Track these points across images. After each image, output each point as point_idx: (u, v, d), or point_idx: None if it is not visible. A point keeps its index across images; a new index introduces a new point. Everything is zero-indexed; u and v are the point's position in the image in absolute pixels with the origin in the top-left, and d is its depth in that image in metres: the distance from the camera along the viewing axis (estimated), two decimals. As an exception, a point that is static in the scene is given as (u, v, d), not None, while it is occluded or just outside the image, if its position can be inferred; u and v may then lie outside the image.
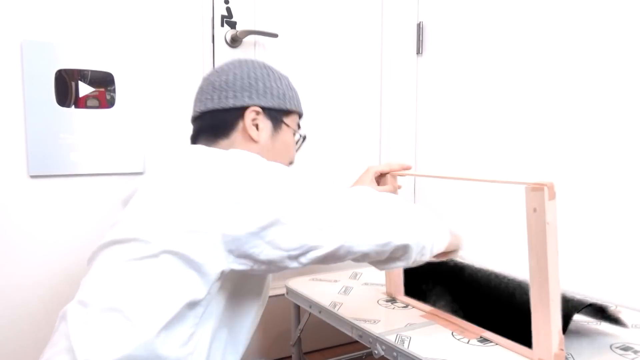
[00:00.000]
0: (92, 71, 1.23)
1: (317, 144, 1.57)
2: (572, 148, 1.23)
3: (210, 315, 0.73)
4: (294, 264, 0.72)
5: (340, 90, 1.60)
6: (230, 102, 0.85)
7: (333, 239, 0.71)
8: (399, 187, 1.11)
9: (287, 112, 0.91)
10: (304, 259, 0.71)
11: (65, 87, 1.20)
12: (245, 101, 0.85)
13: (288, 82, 0.93)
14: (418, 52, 1.70)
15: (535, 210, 0.75)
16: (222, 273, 0.70)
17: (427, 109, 1.68)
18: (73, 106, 1.21)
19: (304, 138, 0.97)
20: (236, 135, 0.86)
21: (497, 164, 1.43)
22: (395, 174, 1.09)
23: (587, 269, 1.19)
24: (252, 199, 0.68)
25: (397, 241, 0.76)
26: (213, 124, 0.86)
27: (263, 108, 0.87)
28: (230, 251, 0.69)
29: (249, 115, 0.85)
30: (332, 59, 1.57)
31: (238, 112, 0.85)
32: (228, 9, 1.39)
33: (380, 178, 1.11)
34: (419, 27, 1.69)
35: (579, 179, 1.21)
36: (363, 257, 0.76)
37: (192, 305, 0.70)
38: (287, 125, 0.91)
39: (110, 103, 1.26)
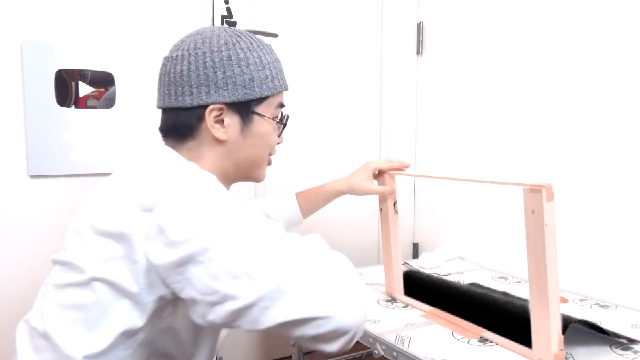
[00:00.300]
0: (92, 71, 1.23)
1: (317, 144, 1.57)
2: (572, 148, 1.23)
3: (151, 343, 0.68)
4: (211, 316, 0.61)
5: (340, 90, 1.60)
6: (187, 100, 0.74)
7: (250, 291, 0.58)
8: (393, 192, 1.10)
9: (260, 100, 0.77)
10: (220, 310, 0.59)
11: (65, 87, 1.20)
12: (203, 99, 0.73)
13: (259, 59, 0.77)
14: (418, 52, 1.70)
15: (533, 211, 0.75)
16: (162, 299, 0.65)
17: (427, 109, 1.68)
18: (73, 106, 1.21)
19: (286, 122, 0.85)
20: (201, 136, 0.76)
21: (497, 164, 1.43)
22: (393, 173, 1.08)
23: (587, 269, 1.19)
24: (176, 229, 0.60)
25: (337, 321, 0.59)
26: (175, 125, 0.76)
27: (226, 103, 0.74)
28: (162, 279, 0.63)
29: (210, 114, 0.74)
30: (332, 59, 1.57)
31: (198, 112, 0.74)
32: (228, 9, 1.39)
33: (378, 176, 1.11)
34: (419, 27, 1.69)
35: (578, 179, 1.21)
36: (285, 328, 0.60)
37: (129, 333, 0.66)
38: (261, 115, 0.78)
39: (110, 103, 1.26)
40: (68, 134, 1.21)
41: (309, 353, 1.49)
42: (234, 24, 1.40)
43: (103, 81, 1.25)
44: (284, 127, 0.85)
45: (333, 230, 1.59)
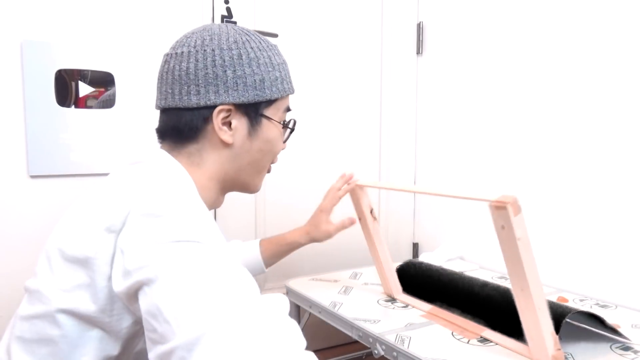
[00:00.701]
0: (92, 71, 1.23)
1: (317, 144, 1.57)
2: (572, 147, 1.23)
3: None
4: (150, 354, 0.55)
5: (340, 90, 1.60)
6: (194, 100, 0.69)
7: (172, 336, 0.52)
8: (354, 221, 1.09)
9: (269, 102, 0.74)
10: (153, 350, 0.54)
11: (65, 87, 1.20)
12: (212, 99, 0.69)
13: (269, 60, 0.73)
14: (418, 52, 1.70)
15: (503, 227, 0.72)
16: (137, 323, 0.61)
17: (427, 109, 1.68)
18: (73, 106, 1.21)
19: (293, 128, 0.80)
20: (205, 139, 0.71)
21: (497, 164, 1.43)
22: (362, 185, 1.06)
23: (587, 269, 1.19)
24: (132, 256, 0.56)
25: None
26: (177, 126, 0.71)
27: (235, 105, 0.70)
28: (126, 306, 0.59)
29: (218, 116, 0.70)
30: (332, 59, 1.57)
31: (204, 113, 0.70)
32: (228, 9, 1.39)
33: (351, 193, 1.07)
34: (419, 27, 1.69)
35: (578, 179, 1.21)
36: None
37: None
38: (269, 119, 0.74)
39: (110, 103, 1.26)
40: (68, 134, 1.21)
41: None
42: (233, 24, 1.39)
43: (103, 81, 1.25)
44: (290, 133, 0.81)
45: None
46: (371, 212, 1.08)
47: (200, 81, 0.69)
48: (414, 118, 1.72)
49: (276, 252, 1.13)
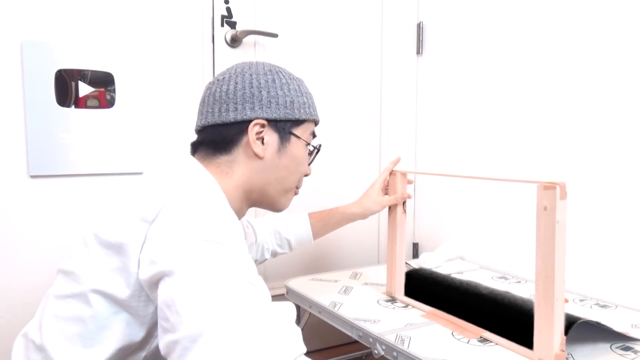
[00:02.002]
0: (92, 71, 1.23)
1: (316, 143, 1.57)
2: (571, 147, 1.23)
3: None
4: (160, 343, 0.60)
5: (340, 90, 1.60)
6: (231, 116, 0.78)
7: (179, 327, 0.56)
8: (411, 182, 1.15)
9: (297, 122, 0.82)
10: (163, 339, 0.59)
11: (65, 87, 1.20)
12: (248, 114, 0.77)
13: (298, 87, 0.83)
14: (418, 52, 1.70)
15: (545, 208, 0.76)
16: None
17: (427, 109, 1.68)
18: (73, 106, 1.21)
19: (318, 149, 0.89)
20: (238, 151, 0.79)
21: (497, 164, 1.43)
22: (405, 172, 1.11)
23: (587, 269, 1.19)
24: (158, 247, 0.61)
25: None
26: (213, 139, 0.79)
27: (268, 120, 0.79)
28: (151, 291, 0.63)
29: (253, 129, 0.78)
30: (332, 59, 1.57)
31: (240, 127, 0.78)
32: (228, 9, 1.39)
33: (389, 180, 1.14)
34: (419, 27, 1.69)
35: (578, 179, 1.21)
36: None
37: (127, 350, 0.66)
38: (297, 137, 0.83)
39: (110, 103, 1.26)
40: (68, 134, 1.21)
41: (309, 353, 1.49)
42: (233, 24, 1.40)
43: (103, 81, 1.25)
44: (315, 155, 0.89)
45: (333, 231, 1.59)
46: (403, 204, 1.11)
47: (238, 99, 0.78)
48: (414, 118, 1.72)
49: (328, 224, 1.16)
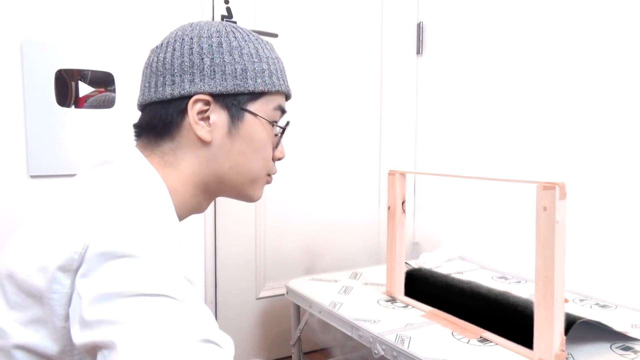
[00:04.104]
0: (92, 71, 1.23)
1: (316, 144, 1.57)
2: (572, 148, 1.23)
3: None
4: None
5: (340, 90, 1.60)
6: (168, 91, 0.62)
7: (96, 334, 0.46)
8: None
9: (253, 95, 0.65)
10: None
11: (65, 87, 1.20)
12: (186, 88, 0.62)
13: (255, 51, 0.66)
14: (418, 52, 1.70)
15: (545, 209, 0.76)
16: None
17: (427, 109, 1.68)
18: (73, 106, 1.21)
19: (285, 127, 0.70)
20: (181, 136, 0.64)
21: (497, 164, 1.43)
22: (404, 172, 1.10)
23: (587, 269, 1.19)
24: (91, 307, 0.48)
25: None
26: (152, 122, 0.64)
27: (213, 95, 0.63)
28: (89, 356, 0.50)
29: (194, 107, 0.62)
30: (332, 59, 1.57)
31: (180, 104, 0.63)
32: (228, 9, 1.39)
33: (389, 176, 1.10)
34: (419, 27, 1.69)
35: (577, 179, 1.21)
36: None
37: None
38: (254, 114, 0.65)
39: (110, 103, 1.26)
40: (68, 134, 1.21)
41: (309, 353, 1.49)
42: (233, 24, 1.39)
43: (103, 81, 1.25)
44: (282, 134, 0.70)
45: (333, 231, 1.59)
46: (402, 203, 1.10)
47: (175, 70, 0.63)
48: (414, 118, 1.72)
49: None
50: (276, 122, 0.69)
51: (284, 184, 1.51)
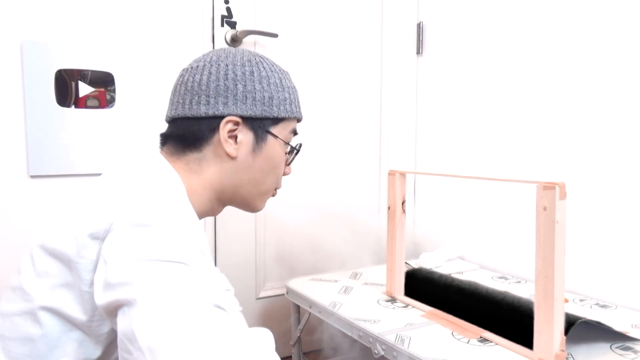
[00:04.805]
0: (92, 71, 1.23)
1: (317, 145, 1.57)
2: (572, 148, 1.23)
3: None
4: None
5: (340, 91, 1.60)
6: (202, 110, 0.71)
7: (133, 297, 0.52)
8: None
9: (276, 120, 0.75)
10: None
11: (65, 87, 1.20)
12: (220, 110, 0.71)
13: (280, 81, 0.76)
14: (418, 52, 1.70)
15: (545, 208, 0.76)
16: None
17: (427, 109, 1.68)
18: (73, 106, 1.21)
19: (298, 149, 0.82)
20: (209, 149, 0.72)
21: (497, 164, 1.43)
22: (404, 172, 1.10)
23: (587, 269, 1.19)
24: (115, 269, 0.55)
25: None
26: (183, 134, 0.73)
27: (243, 117, 0.72)
28: (109, 317, 0.57)
29: (225, 126, 0.71)
30: (332, 59, 1.57)
31: (212, 123, 0.71)
32: (228, 9, 1.39)
33: (390, 183, 1.10)
34: (419, 27, 1.69)
35: (577, 179, 1.21)
36: None
37: None
38: (275, 136, 0.75)
39: (110, 103, 1.26)
40: (68, 134, 1.21)
41: (309, 353, 1.49)
42: (233, 24, 1.40)
43: (103, 81, 1.25)
44: (295, 155, 0.82)
45: (333, 230, 1.59)
46: (402, 203, 1.10)
47: (211, 92, 0.71)
48: (414, 118, 1.72)
49: None
50: (290, 143, 0.80)
51: (283, 184, 1.51)
